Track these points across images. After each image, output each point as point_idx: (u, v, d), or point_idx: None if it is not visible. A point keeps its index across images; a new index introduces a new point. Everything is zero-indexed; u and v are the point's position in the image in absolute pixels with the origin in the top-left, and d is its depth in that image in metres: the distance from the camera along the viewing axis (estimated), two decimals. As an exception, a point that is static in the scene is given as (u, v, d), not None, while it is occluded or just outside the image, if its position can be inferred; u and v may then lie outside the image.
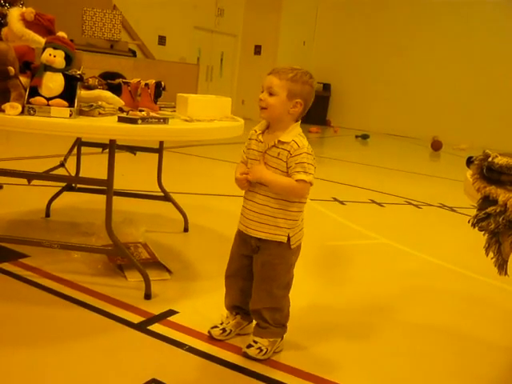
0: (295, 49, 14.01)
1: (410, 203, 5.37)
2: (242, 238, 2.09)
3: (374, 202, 5.26)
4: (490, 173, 1.65)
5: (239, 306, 2.19)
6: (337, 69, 14.37)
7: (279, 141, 1.95)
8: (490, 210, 1.58)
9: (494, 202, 1.59)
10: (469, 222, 1.63)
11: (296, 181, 1.91)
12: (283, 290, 2.07)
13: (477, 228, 1.62)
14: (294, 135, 1.95)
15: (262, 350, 2.05)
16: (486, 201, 1.61)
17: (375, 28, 13.78)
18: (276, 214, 1.97)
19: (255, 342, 2.07)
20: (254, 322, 2.15)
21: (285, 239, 1.99)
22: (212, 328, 2.18)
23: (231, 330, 2.18)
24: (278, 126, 1.97)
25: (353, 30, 14.08)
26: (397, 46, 13.52)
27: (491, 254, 1.64)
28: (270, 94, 1.94)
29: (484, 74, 12.45)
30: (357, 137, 11.93)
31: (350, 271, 3.25)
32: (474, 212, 1.65)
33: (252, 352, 2.04)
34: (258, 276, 2.06)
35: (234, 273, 2.14)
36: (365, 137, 11.82)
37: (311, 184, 1.94)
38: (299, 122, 2.01)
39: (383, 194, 5.66)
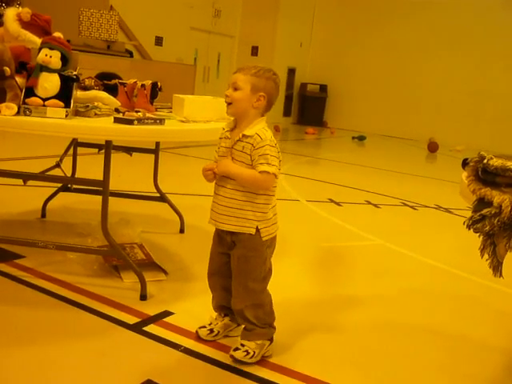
0: (292, 50, 14.03)
1: (406, 204, 5.37)
2: (219, 236, 2.12)
3: (369, 203, 5.26)
4: (485, 175, 1.65)
5: (226, 307, 2.19)
6: (333, 70, 14.39)
7: (243, 135, 1.99)
8: (485, 211, 1.58)
9: (489, 203, 1.59)
10: (464, 223, 1.64)
11: (259, 172, 1.95)
12: (259, 284, 2.08)
13: (472, 230, 1.63)
14: (258, 129, 1.99)
15: (248, 353, 2.05)
16: (481, 203, 1.61)
17: (372, 30, 13.80)
18: (243, 206, 2.00)
19: (242, 346, 2.07)
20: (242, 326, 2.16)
21: (253, 231, 2.01)
22: (200, 328, 2.20)
23: (219, 331, 2.19)
24: (244, 121, 2.02)
25: (349, 31, 14.10)
26: (393, 47, 13.55)
27: (486, 256, 1.64)
28: (235, 89, 2.01)
29: (481, 76, 12.48)
30: (353, 138, 11.95)
31: (345, 272, 3.26)
32: (469, 214, 1.65)
33: (238, 355, 2.04)
34: (235, 271, 2.08)
35: (215, 271, 2.17)
36: (361, 138, 11.84)
37: (275, 176, 1.97)
38: (264, 118, 2.05)
39: (379, 196, 5.66)
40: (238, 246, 2.05)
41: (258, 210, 2.01)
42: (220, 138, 2.11)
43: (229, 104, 2.02)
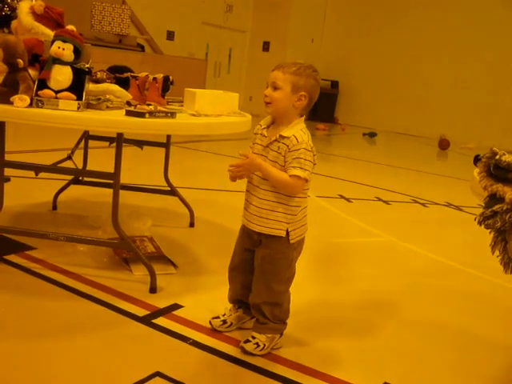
0: (303, 46, 13.98)
1: (417, 201, 5.36)
2: (246, 232, 2.10)
3: (380, 199, 5.25)
4: (497, 171, 1.65)
5: (241, 300, 2.20)
6: (345, 66, 14.34)
7: (280, 135, 1.95)
8: (496, 207, 1.58)
9: (501, 199, 1.59)
10: (475, 219, 1.63)
11: (290, 176, 1.91)
12: (283, 286, 2.07)
13: (483, 226, 1.62)
14: (296, 130, 1.94)
15: (258, 346, 2.05)
16: (493, 199, 1.61)
17: (384, 26, 13.73)
18: (275, 208, 1.97)
19: (253, 338, 2.08)
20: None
21: (283, 233, 1.98)
22: (213, 318, 2.21)
23: (232, 323, 2.20)
24: (283, 120, 1.97)
25: (361, 27, 14.04)
26: (405, 44, 13.47)
27: (497, 253, 1.63)
28: (275, 89, 1.95)
29: (493, 73, 12.39)
30: (364, 135, 11.91)
31: (354, 268, 3.25)
32: (480, 211, 1.64)
33: (249, 347, 2.05)
34: (257, 270, 2.07)
35: (237, 266, 2.16)
36: (372, 135, 11.79)
37: (306, 180, 1.93)
38: (303, 118, 2.01)
39: (389, 192, 5.65)
40: (264, 245, 2.03)
41: (289, 212, 1.98)
42: (255, 134, 2.06)
43: (268, 103, 1.96)
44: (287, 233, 1.99)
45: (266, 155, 1.98)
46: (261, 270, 2.05)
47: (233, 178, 2.01)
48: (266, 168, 1.94)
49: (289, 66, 1.95)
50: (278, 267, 2.03)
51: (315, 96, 2.00)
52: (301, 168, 1.90)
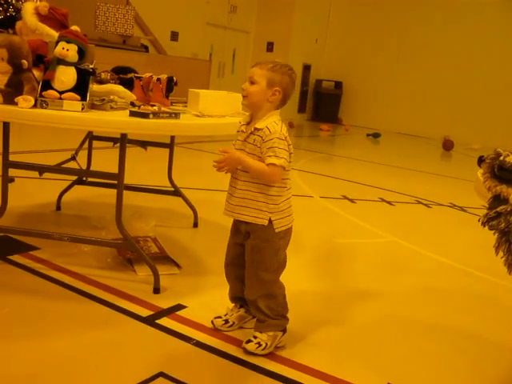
0: (307, 46, 13.98)
1: (420, 202, 5.35)
2: (235, 227, 2.14)
3: (383, 200, 5.25)
4: (501, 172, 1.64)
5: (242, 298, 2.20)
6: (349, 67, 14.34)
7: (255, 128, 2.03)
8: (500, 208, 1.57)
9: (505, 200, 1.58)
10: (479, 220, 1.63)
11: (267, 165, 1.96)
12: (271, 274, 2.09)
13: (487, 227, 1.62)
14: (269, 122, 2.02)
15: (260, 345, 2.07)
16: (497, 200, 1.60)
17: (388, 26, 13.72)
18: (257, 197, 2.03)
19: (254, 337, 2.09)
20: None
21: (266, 222, 2.02)
22: (215, 318, 2.22)
23: (234, 322, 2.22)
24: (258, 114, 2.05)
25: (365, 28, 14.04)
26: (409, 44, 13.47)
27: (501, 254, 1.63)
28: (251, 83, 2.04)
29: (497, 74, 12.37)
30: (368, 135, 11.90)
31: (357, 269, 3.25)
32: (484, 212, 1.64)
33: (250, 347, 2.06)
34: (247, 262, 2.10)
35: (230, 261, 2.19)
36: (376, 135, 11.79)
37: (283, 168, 1.98)
38: (278, 111, 2.07)
39: (393, 193, 5.64)
40: (251, 236, 2.07)
41: (271, 201, 2.03)
42: (237, 132, 2.14)
43: (244, 97, 2.05)
44: (270, 221, 2.03)
45: (244, 148, 2.05)
46: (250, 261, 2.09)
47: (219, 170, 2.06)
48: (245, 160, 2.00)
49: (266, 63, 2.05)
50: (264, 255, 2.06)
51: (290, 92, 2.08)
52: (276, 156, 1.96)
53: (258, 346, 2.06)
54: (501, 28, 12.27)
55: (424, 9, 13.20)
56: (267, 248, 2.06)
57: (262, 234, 2.05)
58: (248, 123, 2.09)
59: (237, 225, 2.13)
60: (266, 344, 2.07)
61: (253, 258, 2.08)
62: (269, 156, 1.97)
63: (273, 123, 2.01)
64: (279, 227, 2.05)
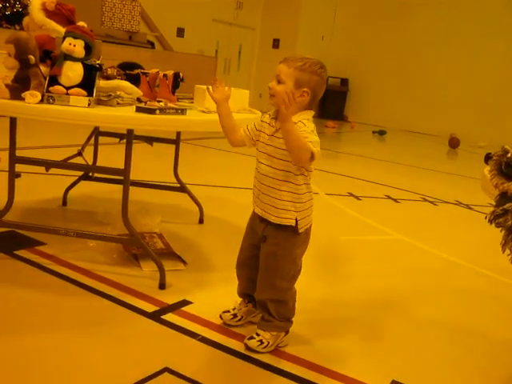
0: (314, 43, 13.95)
1: (426, 200, 5.34)
2: (252, 228, 2.11)
3: (389, 197, 5.24)
4: (508, 169, 1.64)
5: (250, 295, 2.20)
6: (355, 64, 14.31)
7: None
8: (507, 206, 1.57)
9: (512, 198, 1.58)
10: (486, 218, 1.62)
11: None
12: (287, 283, 2.06)
13: (493, 224, 1.61)
14: (302, 118, 1.93)
15: (262, 343, 2.06)
16: (504, 197, 1.60)
17: (394, 23, 13.68)
18: (284, 197, 1.97)
19: (257, 335, 2.08)
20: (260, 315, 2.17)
21: (293, 222, 1.98)
22: (223, 312, 2.22)
23: (242, 316, 2.21)
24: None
25: (372, 25, 14.00)
26: (415, 41, 13.42)
27: (507, 251, 1.63)
28: (278, 82, 1.95)
29: (503, 71, 12.32)
30: (374, 132, 11.88)
31: (363, 266, 3.25)
32: (490, 210, 1.64)
33: (252, 344, 2.05)
34: (261, 266, 2.07)
35: (243, 262, 2.17)
36: (382, 133, 11.76)
37: (314, 156, 1.86)
38: (311, 111, 1.99)
39: (399, 190, 5.63)
40: (269, 241, 2.03)
41: (297, 200, 1.98)
42: (262, 122, 2.05)
43: (271, 95, 1.96)
44: (296, 222, 1.99)
45: (271, 143, 1.97)
46: (265, 267, 2.06)
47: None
48: (293, 124, 1.84)
49: (295, 60, 1.94)
50: (281, 264, 2.03)
51: (319, 93, 1.99)
52: (311, 142, 1.86)
53: (259, 343, 2.05)
54: (508, 25, 12.21)
55: (431, 6, 13.15)
56: (285, 256, 2.02)
57: (283, 242, 2.00)
58: (276, 117, 1.98)
59: (254, 226, 2.09)
60: (268, 342, 2.06)
61: (268, 265, 2.04)
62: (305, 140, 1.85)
63: (306, 120, 1.93)
64: (303, 227, 2.01)
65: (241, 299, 2.26)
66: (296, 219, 1.99)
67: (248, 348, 2.06)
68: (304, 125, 1.91)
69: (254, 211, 2.11)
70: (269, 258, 2.04)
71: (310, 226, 2.08)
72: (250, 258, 2.13)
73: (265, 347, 2.06)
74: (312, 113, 1.99)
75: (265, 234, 2.04)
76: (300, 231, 2.01)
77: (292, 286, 2.10)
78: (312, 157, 1.87)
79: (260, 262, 2.08)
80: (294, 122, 1.89)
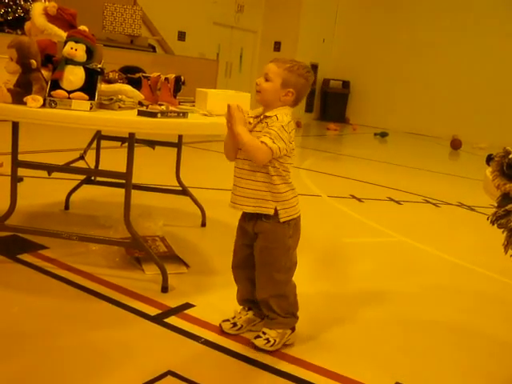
0: (315, 46, 13.96)
1: (428, 202, 5.34)
2: (242, 228, 2.13)
3: (391, 199, 5.23)
4: (510, 170, 1.64)
5: (251, 300, 2.20)
6: (356, 66, 14.31)
7: (264, 116, 2.01)
8: (509, 207, 1.57)
9: (514, 199, 1.58)
10: (488, 219, 1.62)
11: (260, 142, 1.94)
12: (284, 275, 2.09)
13: (496, 225, 1.61)
14: (279, 112, 2.00)
15: (269, 341, 2.07)
16: (506, 198, 1.60)
17: (395, 26, 13.69)
18: (261, 187, 2.01)
19: (263, 333, 2.10)
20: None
21: (272, 211, 2.02)
22: (223, 321, 2.21)
23: (242, 325, 2.20)
24: (269, 109, 2.03)
25: (373, 27, 14.01)
26: (417, 43, 13.43)
27: (510, 252, 1.62)
28: (266, 80, 2.02)
29: (505, 73, 12.32)
30: (375, 135, 11.88)
31: (366, 268, 3.25)
32: (492, 211, 1.63)
33: (259, 342, 2.07)
34: (258, 263, 2.10)
35: (239, 263, 2.18)
36: (383, 135, 11.76)
37: (272, 152, 1.93)
38: (290, 108, 2.05)
39: (401, 192, 5.63)
40: (260, 237, 2.06)
41: (275, 190, 2.02)
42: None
43: (257, 91, 2.04)
44: (276, 211, 2.02)
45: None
46: (260, 262, 2.09)
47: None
48: (242, 131, 1.96)
49: (285, 61, 2.03)
50: (275, 256, 2.06)
51: (304, 94, 2.07)
52: (271, 139, 1.93)
53: (266, 342, 2.07)
54: (510, 27, 12.20)
55: (432, 8, 13.16)
56: (277, 248, 2.05)
57: (271, 235, 2.04)
58: (256, 117, 2.06)
59: (243, 226, 2.12)
60: (275, 340, 2.08)
61: (263, 260, 2.07)
62: (264, 136, 1.94)
63: (283, 114, 1.99)
64: (285, 216, 2.04)
65: (240, 307, 2.25)
66: (276, 209, 2.02)
67: (255, 347, 2.07)
68: (277, 119, 1.97)
69: (242, 213, 2.14)
70: (262, 252, 2.07)
71: (299, 218, 2.10)
72: (245, 258, 2.15)
73: (272, 345, 2.07)
74: (291, 109, 2.05)
75: (256, 231, 2.07)
76: (281, 220, 2.03)
77: (290, 279, 2.12)
78: (268, 154, 1.94)
79: (255, 259, 2.10)
80: (270, 115, 1.99)
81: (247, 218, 2.10)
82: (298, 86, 2.01)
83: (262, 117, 2.02)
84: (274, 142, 1.93)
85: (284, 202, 2.04)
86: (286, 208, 2.05)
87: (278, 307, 2.09)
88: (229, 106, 2.00)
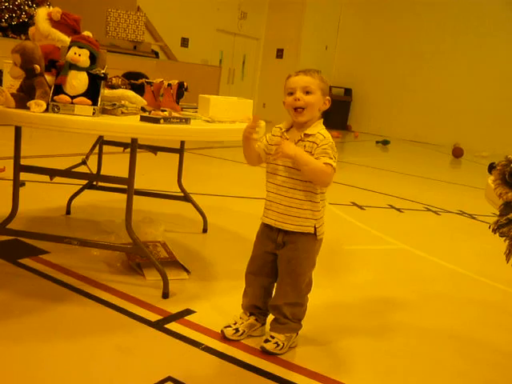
0: (317, 53, 14.00)
1: (430, 209, 5.33)
2: (266, 235, 2.12)
3: (392, 207, 5.23)
4: (512, 178, 1.64)
5: (256, 306, 2.21)
6: (358, 74, 14.34)
7: (305, 134, 2.00)
8: (511, 215, 1.57)
9: (516, 208, 1.57)
10: (490, 227, 1.62)
11: (324, 163, 1.93)
12: (307, 286, 2.13)
13: (497, 234, 1.61)
14: (320, 129, 2.01)
15: (278, 345, 2.09)
16: (508, 207, 1.60)
17: (398, 34, 13.72)
18: (302, 205, 2.01)
19: (272, 337, 2.11)
20: (271, 317, 2.19)
21: (312, 230, 2.03)
22: (225, 327, 2.20)
23: (244, 331, 2.20)
24: (307, 123, 2.02)
25: (375, 35, 14.04)
26: (419, 51, 13.45)
27: (511, 261, 1.62)
28: (307, 93, 2.00)
29: (507, 81, 12.32)
30: (377, 142, 11.88)
31: (366, 275, 3.24)
32: (494, 219, 1.63)
33: (269, 346, 2.09)
34: (284, 272, 2.09)
35: (257, 270, 2.17)
36: (385, 142, 11.76)
37: (334, 170, 1.95)
38: (322, 120, 2.07)
39: (402, 200, 5.63)
40: (289, 247, 2.06)
41: (315, 208, 2.03)
42: (273, 135, 2.10)
43: (300, 108, 1.99)
44: (315, 229, 2.04)
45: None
46: (288, 272, 2.08)
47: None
48: (302, 154, 1.93)
49: (313, 71, 2.03)
50: (304, 268, 2.08)
51: None
52: (331, 158, 1.94)
53: (276, 345, 2.09)
54: (510, 36, 12.22)
55: (434, 16, 13.18)
56: (307, 259, 2.08)
57: (303, 246, 2.05)
58: (287, 130, 2.05)
59: (270, 234, 2.10)
60: (284, 344, 2.10)
61: (291, 269, 2.07)
62: (323, 156, 1.93)
63: (323, 130, 2.00)
64: (320, 234, 2.07)
65: (241, 312, 2.24)
66: (315, 227, 2.04)
67: (265, 351, 2.09)
68: (324, 137, 1.98)
69: (265, 223, 2.13)
70: (291, 262, 2.07)
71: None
72: (265, 266, 2.14)
73: (281, 349, 2.10)
74: (321, 120, 2.06)
75: (284, 241, 2.07)
76: (319, 237, 2.07)
77: (310, 290, 2.16)
78: (333, 174, 1.95)
79: (280, 267, 2.10)
80: (313, 133, 1.98)
81: (274, 228, 2.08)
82: (329, 94, 2.04)
83: (302, 135, 2.00)
84: (334, 160, 1.94)
85: (320, 220, 2.07)
86: (321, 225, 2.08)
87: (290, 314, 2.12)
88: (254, 117, 2.01)
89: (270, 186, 2.08)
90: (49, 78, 2.35)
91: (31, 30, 2.78)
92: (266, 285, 2.16)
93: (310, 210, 2.02)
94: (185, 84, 2.94)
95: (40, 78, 2.30)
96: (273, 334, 2.13)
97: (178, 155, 3.52)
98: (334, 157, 1.96)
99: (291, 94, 2.01)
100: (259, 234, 2.16)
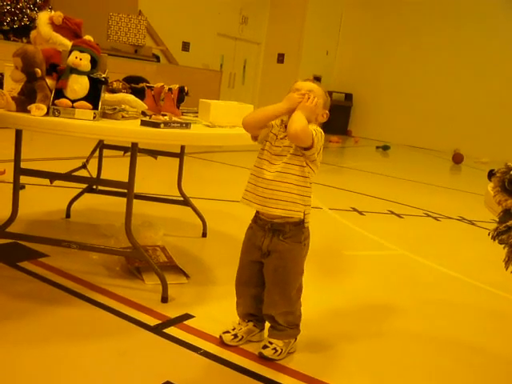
0: (318, 58, 14.02)
1: (429, 215, 5.33)
2: (252, 243, 2.12)
3: (392, 213, 5.23)
4: (511, 186, 1.64)
5: (252, 314, 2.21)
6: (359, 79, 14.36)
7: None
8: (510, 223, 1.57)
9: (515, 215, 1.57)
10: (489, 234, 1.62)
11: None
12: (297, 293, 2.12)
13: (497, 241, 1.61)
14: (313, 127, 1.99)
15: (277, 351, 2.09)
16: (507, 214, 1.60)
17: (398, 39, 13.74)
18: (293, 189, 1.99)
19: (270, 343, 2.11)
20: (268, 325, 2.19)
21: (301, 215, 2.01)
22: (224, 333, 2.20)
23: (243, 336, 2.20)
24: None
25: (376, 40, 14.06)
26: (420, 57, 13.47)
27: (511, 268, 1.62)
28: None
29: (508, 88, 12.34)
30: (377, 148, 11.89)
31: (366, 281, 3.24)
32: (493, 226, 1.63)
33: (268, 352, 2.08)
34: (271, 282, 2.08)
35: (246, 280, 2.17)
36: (385, 148, 11.77)
37: (313, 144, 1.96)
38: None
39: (402, 206, 5.63)
40: (274, 256, 2.05)
41: (304, 193, 2.01)
42: (270, 132, 2.08)
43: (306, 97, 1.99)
44: (304, 215, 2.02)
45: (280, 145, 2.02)
46: (275, 283, 2.07)
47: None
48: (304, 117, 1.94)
49: (318, 84, 2.08)
50: (291, 276, 2.07)
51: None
52: (316, 135, 1.95)
53: (274, 351, 2.09)
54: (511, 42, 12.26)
55: (435, 22, 13.21)
56: (293, 267, 2.06)
57: (291, 254, 2.04)
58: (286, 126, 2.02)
59: (255, 242, 2.10)
60: (282, 350, 2.11)
61: (278, 279, 2.06)
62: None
63: (316, 127, 2.01)
64: (307, 222, 2.04)
65: (239, 319, 2.24)
66: (304, 212, 2.02)
67: (264, 357, 2.08)
68: (314, 130, 1.98)
69: (252, 228, 2.13)
70: (277, 271, 2.05)
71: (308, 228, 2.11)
72: (253, 275, 2.14)
73: (279, 355, 2.10)
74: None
75: (269, 249, 2.05)
76: (306, 225, 2.04)
77: (300, 296, 2.14)
78: (312, 145, 1.96)
79: (267, 277, 2.09)
80: None
81: (261, 234, 2.08)
82: (328, 109, 2.09)
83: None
84: (315, 135, 1.95)
85: (308, 207, 2.05)
86: (309, 213, 2.06)
87: (285, 322, 2.12)
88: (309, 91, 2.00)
89: (258, 170, 2.06)
90: (50, 81, 2.36)
91: (33, 33, 2.78)
92: (256, 294, 2.15)
93: (299, 194, 1.99)
94: (185, 88, 2.95)
95: (41, 81, 2.30)
96: (271, 339, 2.13)
97: (178, 159, 3.52)
98: (317, 136, 1.96)
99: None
100: (246, 242, 2.16)
